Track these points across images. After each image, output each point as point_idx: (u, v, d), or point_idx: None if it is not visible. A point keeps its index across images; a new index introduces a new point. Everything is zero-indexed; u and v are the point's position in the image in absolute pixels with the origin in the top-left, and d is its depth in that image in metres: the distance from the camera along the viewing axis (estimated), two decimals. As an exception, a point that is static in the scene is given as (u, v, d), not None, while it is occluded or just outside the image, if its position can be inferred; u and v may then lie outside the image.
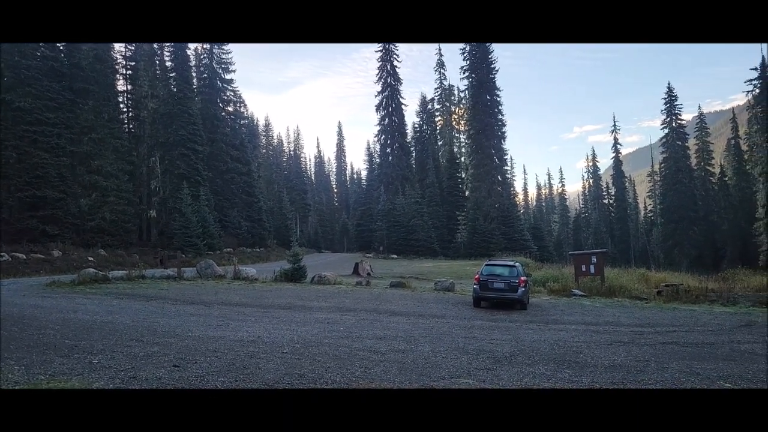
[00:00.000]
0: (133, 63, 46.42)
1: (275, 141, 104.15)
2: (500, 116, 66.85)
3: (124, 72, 46.10)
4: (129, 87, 46.86)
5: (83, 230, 35.78)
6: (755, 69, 57.68)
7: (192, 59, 54.56)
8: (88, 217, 36.23)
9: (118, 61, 44.91)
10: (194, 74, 55.59)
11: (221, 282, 22.27)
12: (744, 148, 69.48)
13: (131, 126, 47.64)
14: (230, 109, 60.25)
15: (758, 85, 57.53)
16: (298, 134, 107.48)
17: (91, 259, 30.88)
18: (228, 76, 58.17)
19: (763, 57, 57.25)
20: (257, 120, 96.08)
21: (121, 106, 46.20)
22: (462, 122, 77.09)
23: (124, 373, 6.61)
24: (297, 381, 6.53)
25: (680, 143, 71.29)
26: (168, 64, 50.09)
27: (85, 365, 7.02)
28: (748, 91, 59.49)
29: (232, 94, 59.45)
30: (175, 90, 48.99)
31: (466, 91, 70.59)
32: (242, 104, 63.62)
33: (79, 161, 37.15)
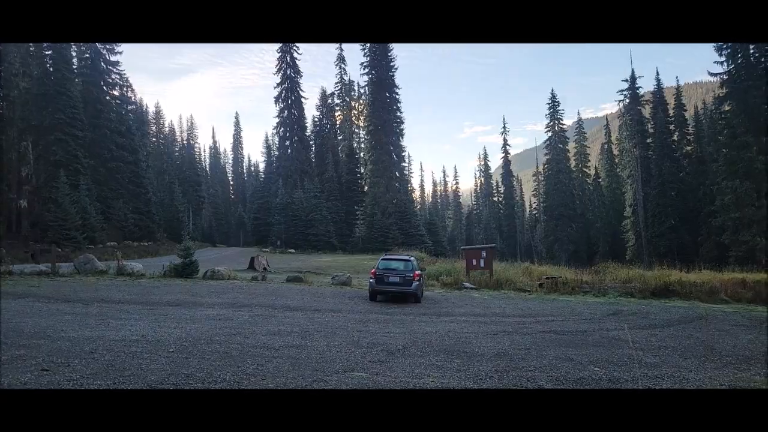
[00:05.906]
0: (1, 36, 41.60)
1: (167, 129, 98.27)
2: (399, 113, 68.08)
3: (-10, 46, 41.24)
4: (-4, 63, 41.98)
5: (-63, 221, 31.80)
6: (626, 80, 63.61)
7: (72, 36, 50.06)
8: (-57, 207, 32.26)
9: (-18, 33, 40.01)
10: (74, 53, 50.86)
11: (103, 278, 20.75)
12: (615, 152, 76.52)
13: (-2, 106, 42.77)
14: (116, 92, 55.70)
15: (628, 96, 63.51)
16: (192, 124, 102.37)
17: (-53, 253, 27.48)
18: (113, 58, 53.77)
19: (632, 69, 62.99)
20: (147, 106, 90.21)
21: (-14, 84, 41.34)
22: (362, 118, 77.56)
23: (-18, 380, 5.95)
24: (183, 381, 6.24)
25: (561, 146, 76.97)
26: (43, 40, 45.54)
27: (-66, 373, 6.24)
28: (619, 101, 65.45)
29: (117, 77, 55.03)
30: (51, 69, 44.59)
31: (366, 88, 71.14)
32: (129, 88, 58.87)
33: (-68, 143, 32.93)
